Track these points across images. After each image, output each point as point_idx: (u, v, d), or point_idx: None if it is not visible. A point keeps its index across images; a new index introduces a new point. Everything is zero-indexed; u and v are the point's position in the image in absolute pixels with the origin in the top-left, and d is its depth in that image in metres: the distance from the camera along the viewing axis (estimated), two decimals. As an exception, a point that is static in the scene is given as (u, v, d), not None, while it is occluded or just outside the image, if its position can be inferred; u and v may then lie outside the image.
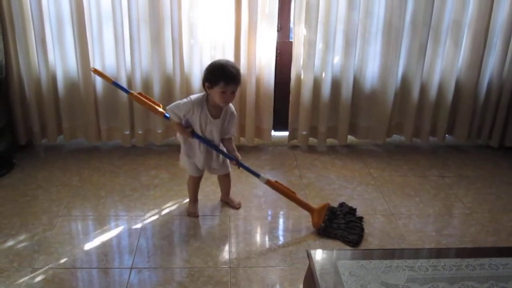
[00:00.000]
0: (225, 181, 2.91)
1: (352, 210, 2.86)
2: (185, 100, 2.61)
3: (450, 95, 3.51)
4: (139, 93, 2.79)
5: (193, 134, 2.62)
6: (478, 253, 1.84)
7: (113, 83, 2.87)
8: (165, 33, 3.26)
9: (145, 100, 2.74)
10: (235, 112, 2.69)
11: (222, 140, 2.70)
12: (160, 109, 2.72)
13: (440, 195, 3.12)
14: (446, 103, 3.54)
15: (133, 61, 3.27)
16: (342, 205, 2.89)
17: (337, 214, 2.78)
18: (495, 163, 3.55)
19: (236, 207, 2.92)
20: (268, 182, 2.74)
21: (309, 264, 1.72)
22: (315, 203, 2.81)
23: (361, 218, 2.80)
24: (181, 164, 2.84)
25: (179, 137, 2.76)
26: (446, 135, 3.68)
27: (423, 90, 3.51)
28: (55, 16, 3.20)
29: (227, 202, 2.95)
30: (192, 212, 2.85)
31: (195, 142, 2.66)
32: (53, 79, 3.36)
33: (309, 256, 1.72)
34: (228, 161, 2.76)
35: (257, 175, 2.76)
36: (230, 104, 2.65)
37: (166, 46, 3.29)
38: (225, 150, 2.71)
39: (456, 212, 2.96)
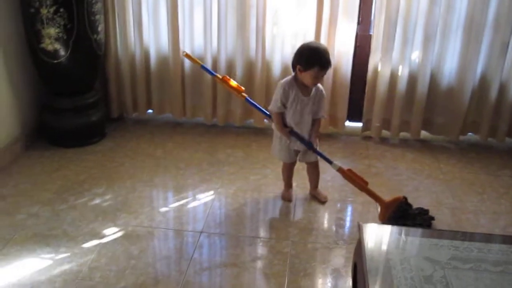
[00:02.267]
0: (313, 173, 2.95)
1: (424, 211, 2.78)
2: (277, 90, 2.72)
3: (531, 96, 3.47)
4: (224, 77, 2.91)
5: (291, 132, 2.73)
6: (527, 242, 1.90)
7: (201, 67, 3.02)
8: (250, 20, 3.45)
9: (229, 83, 2.85)
10: (324, 92, 2.77)
11: (313, 122, 2.77)
12: (243, 94, 2.83)
13: (509, 194, 3.10)
14: (526, 104, 3.50)
15: (219, 44, 3.50)
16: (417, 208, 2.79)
17: (409, 213, 2.72)
18: None
19: (322, 200, 2.94)
20: (340, 170, 2.77)
21: (359, 236, 1.84)
22: (387, 196, 2.76)
23: (431, 219, 2.73)
24: (272, 153, 2.94)
25: (274, 126, 2.83)
26: (524, 137, 3.63)
27: (502, 89, 3.48)
28: (152, 0, 3.48)
29: (314, 195, 2.98)
30: (286, 196, 2.95)
31: (291, 124, 2.73)
32: (146, 58, 3.66)
33: (359, 228, 1.85)
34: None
35: (329, 162, 2.79)
36: (319, 84, 2.74)
37: (251, 33, 3.49)
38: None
39: (524, 212, 2.96)
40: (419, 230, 2.01)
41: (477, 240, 1.92)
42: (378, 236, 1.91)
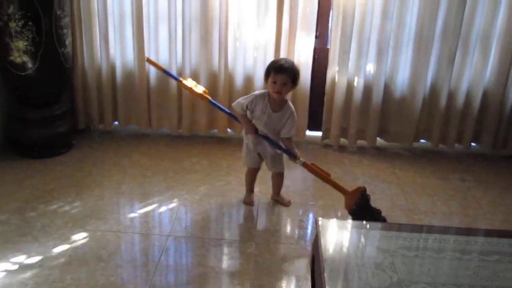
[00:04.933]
0: (278, 180, 3.10)
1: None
2: (249, 95, 2.90)
3: (477, 105, 3.71)
4: (186, 79, 3.04)
5: (256, 130, 2.88)
6: (468, 233, 2.08)
7: (163, 71, 3.15)
8: (213, 34, 3.61)
9: (192, 86, 2.98)
10: (295, 112, 2.88)
11: (282, 140, 2.92)
12: (206, 95, 2.98)
13: (458, 196, 3.32)
14: (473, 112, 3.73)
15: (183, 57, 3.65)
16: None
17: (369, 199, 2.87)
18: (518, 173, 3.71)
19: (287, 204, 3.10)
20: (304, 164, 2.90)
21: (316, 231, 1.99)
22: (350, 187, 2.92)
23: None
24: (243, 162, 3.08)
25: (243, 133, 3.01)
26: (472, 143, 3.87)
27: (451, 98, 3.72)
28: (118, 15, 3.61)
29: (277, 200, 3.13)
30: (248, 201, 3.10)
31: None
32: (112, 71, 3.77)
33: (316, 223, 2.00)
34: (283, 160, 2.99)
35: (294, 157, 2.90)
36: (291, 104, 2.88)
37: (214, 46, 3.65)
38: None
39: (470, 212, 3.15)
40: (371, 224, 2.18)
41: (421, 232, 2.10)
42: (334, 229, 2.07)
